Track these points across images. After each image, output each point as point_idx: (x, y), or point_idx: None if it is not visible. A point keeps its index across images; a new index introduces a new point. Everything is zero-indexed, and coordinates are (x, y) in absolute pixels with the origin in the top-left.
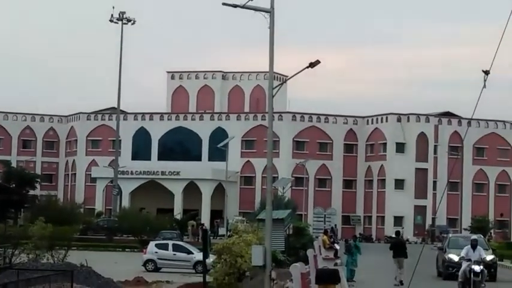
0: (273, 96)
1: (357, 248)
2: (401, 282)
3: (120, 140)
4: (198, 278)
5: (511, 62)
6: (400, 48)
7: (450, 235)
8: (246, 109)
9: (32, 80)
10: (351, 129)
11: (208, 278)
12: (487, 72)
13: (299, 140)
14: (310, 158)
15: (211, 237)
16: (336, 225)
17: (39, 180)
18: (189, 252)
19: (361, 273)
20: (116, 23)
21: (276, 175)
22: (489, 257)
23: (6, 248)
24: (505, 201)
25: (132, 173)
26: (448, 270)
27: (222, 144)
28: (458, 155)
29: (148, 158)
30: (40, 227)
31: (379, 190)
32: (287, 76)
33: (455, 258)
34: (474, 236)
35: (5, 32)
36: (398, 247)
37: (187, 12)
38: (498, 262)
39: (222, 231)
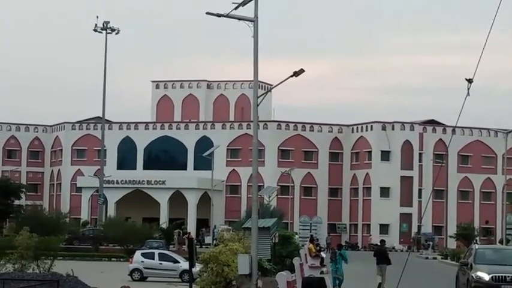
0: (257, 105)
1: (341, 256)
2: (379, 285)
3: (106, 150)
4: (185, 287)
5: (495, 70)
6: (384, 57)
7: (476, 246)
8: (231, 118)
9: (16, 90)
10: (336, 137)
11: (195, 287)
12: (470, 81)
13: (284, 148)
14: (296, 167)
15: (197, 246)
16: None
17: (24, 190)
18: (175, 261)
19: (347, 281)
20: (100, 32)
21: (262, 184)
22: None
23: None
24: (490, 208)
25: (117, 182)
26: None
27: (207, 153)
28: (443, 162)
29: (134, 167)
30: (25, 237)
31: (364, 198)
32: (272, 85)
33: (486, 276)
34: None
35: None
36: (380, 254)
37: (172, 21)
38: None
39: (208, 240)
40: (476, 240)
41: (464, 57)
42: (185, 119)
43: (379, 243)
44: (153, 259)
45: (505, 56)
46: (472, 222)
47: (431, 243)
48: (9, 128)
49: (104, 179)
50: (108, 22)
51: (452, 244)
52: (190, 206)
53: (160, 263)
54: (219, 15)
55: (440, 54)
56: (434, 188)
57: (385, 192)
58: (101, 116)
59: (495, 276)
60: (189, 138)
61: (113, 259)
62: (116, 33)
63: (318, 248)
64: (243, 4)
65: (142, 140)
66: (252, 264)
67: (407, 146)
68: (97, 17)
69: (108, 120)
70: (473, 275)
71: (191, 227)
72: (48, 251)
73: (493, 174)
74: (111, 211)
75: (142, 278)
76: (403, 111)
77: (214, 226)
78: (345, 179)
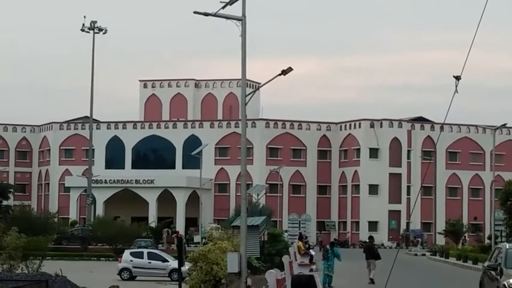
0: (245, 104)
1: (333, 254)
2: (372, 281)
3: (94, 149)
4: (174, 286)
5: (483, 67)
6: (372, 54)
7: (507, 246)
8: (219, 117)
9: (2, 90)
10: (324, 135)
11: (184, 286)
12: (458, 78)
13: (273, 146)
14: (284, 165)
15: (186, 245)
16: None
17: (12, 190)
18: (164, 260)
19: (337, 278)
20: (87, 32)
21: (250, 182)
22: None
23: None
24: (479, 205)
25: (106, 181)
26: None
27: (195, 152)
28: (432, 159)
29: (122, 167)
30: (14, 238)
31: (353, 195)
32: (260, 83)
33: None
34: None
35: None
36: (368, 250)
37: (159, 20)
38: (472, 265)
39: (197, 238)
40: (464, 237)
41: (453, 54)
42: (173, 118)
43: (367, 240)
44: (142, 258)
45: (493, 53)
46: (461, 219)
47: (420, 239)
48: None
49: (92, 178)
50: (96, 22)
51: (441, 240)
52: (179, 205)
53: (150, 262)
54: (206, 14)
55: (429, 52)
56: (423, 185)
57: (373, 189)
58: (89, 115)
59: None
60: (177, 137)
61: (101, 259)
62: (104, 33)
63: (307, 245)
64: (230, 3)
65: (131, 139)
66: (241, 262)
67: (395, 143)
68: (84, 16)
69: (96, 120)
70: (505, 283)
71: (180, 226)
72: (36, 251)
73: (481, 171)
74: (100, 211)
75: (132, 277)
76: (391, 109)
77: (201, 225)
78: (334, 176)
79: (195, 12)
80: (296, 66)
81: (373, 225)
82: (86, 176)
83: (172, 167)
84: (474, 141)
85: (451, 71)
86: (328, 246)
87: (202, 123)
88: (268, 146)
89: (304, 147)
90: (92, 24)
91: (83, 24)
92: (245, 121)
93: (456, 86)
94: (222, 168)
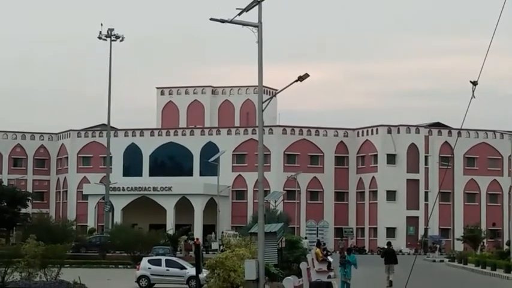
0: (262, 110)
1: (348, 262)
2: (390, 283)
3: (111, 157)
4: None
5: (500, 72)
6: (389, 60)
7: None
8: (237, 123)
9: (21, 99)
10: (342, 141)
11: None
12: (475, 83)
13: (290, 153)
14: (302, 171)
15: (204, 252)
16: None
17: (30, 198)
18: (182, 268)
19: (355, 285)
20: (104, 40)
21: (268, 189)
22: None
23: None
24: (497, 210)
25: (123, 189)
26: None
27: (213, 158)
28: (449, 165)
29: (140, 174)
30: (32, 245)
31: (370, 202)
32: (277, 90)
33: None
34: None
35: None
36: (388, 255)
37: (176, 27)
38: (491, 271)
39: (214, 245)
40: (483, 243)
41: (470, 59)
42: (190, 125)
43: (385, 246)
44: (160, 265)
45: (510, 58)
46: (479, 225)
47: (438, 245)
48: (15, 136)
49: (110, 186)
50: (113, 29)
51: (459, 247)
52: (197, 212)
53: (167, 270)
54: (222, 21)
55: (445, 57)
56: (441, 191)
57: (391, 195)
58: (106, 123)
59: None
60: (194, 144)
61: (119, 266)
62: (121, 41)
63: (325, 252)
64: (246, 10)
65: (148, 146)
66: (259, 269)
67: (413, 149)
68: (101, 24)
69: (113, 127)
70: None
71: (198, 233)
72: (55, 258)
73: (499, 176)
74: (118, 218)
75: (150, 285)
76: (408, 114)
77: (217, 232)
78: (351, 182)
79: (211, 19)
80: (312, 72)
81: (391, 232)
82: (104, 183)
83: (190, 174)
84: (492, 147)
85: (468, 76)
86: (345, 253)
87: (220, 130)
88: (286, 152)
89: (322, 154)
90: (109, 32)
91: (100, 32)
92: (262, 128)
93: (473, 91)
94: (239, 175)
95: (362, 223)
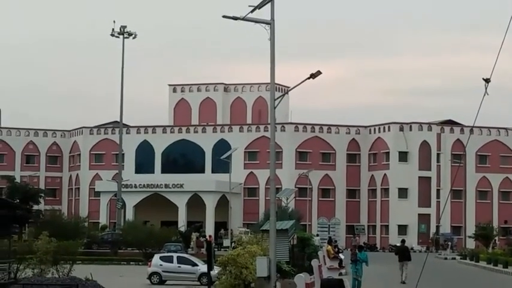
0: (274, 108)
1: (359, 260)
2: (405, 278)
3: (123, 154)
4: None
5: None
6: (401, 58)
7: None
8: (249, 121)
9: (34, 96)
10: (354, 139)
11: None
12: (487, 80)
13: (302, 150)
14: (313, 169)
15: (215, 249)
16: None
17: (43, 195)
18: (194, 265)
19: (367, 282)
20: (117, 37)
21: (280, 186)
22: None
23: (11, 263)
24: (509, 208)
25: (135, 186)
26: None
27: (225, 156)
28: (461, 162)
29: (152, 171)
30: (44, 242)
31: (382, 199)
32: (289, 87)
33: None
34: None
35: (11, 47)
36: (401, 252)
37: (188, 24)
38: (502, 269)
39: (226, 242)
40: (495, 240)
41: (482, 56)
42: (202, 122)
43: (398, 244)
44: (172, 262)
45: None
46: (491, 222)
47: (450, 243)
48: (28, 133)
49: (122, 183)
50: (125, 26)
51: (471, 244)
52: (209, 209)
53: (179, 266)
54: (235, 18)
55: (458, 54)
56: (453, 188)
57: (403, 193)
58: (119, 120)
59: None
60: (206, 142)
61: (131, 263)
62: (133, 38)
63: (337, 249)
64: (259, 7)
65: (160, 143)
66: (271, 266)
67: (425, 146)
68: (114, 21)
69: (125, 125)
70: None
71: (209, 230)
72: (67, 255)
73: (511, 174)
74: (130, 215)
75: (161, 282)
76: (420, 112)
77: (229, 230)
78: (363, 180)
79: (223, 17)
80: (324, 70)
81: (402, 229)
82: (116, 180)
83: (202, 171)
84: (504, 144)
85: (480, 73)
86: (356, 250)
87: (232, 128)
88: (298, 149)
89: (334, 151)
90: (122, 29)
91: (113, 29)
92: (274, 125)
93: (486, 89)
94: (251, 172)
95: (374, 220)
